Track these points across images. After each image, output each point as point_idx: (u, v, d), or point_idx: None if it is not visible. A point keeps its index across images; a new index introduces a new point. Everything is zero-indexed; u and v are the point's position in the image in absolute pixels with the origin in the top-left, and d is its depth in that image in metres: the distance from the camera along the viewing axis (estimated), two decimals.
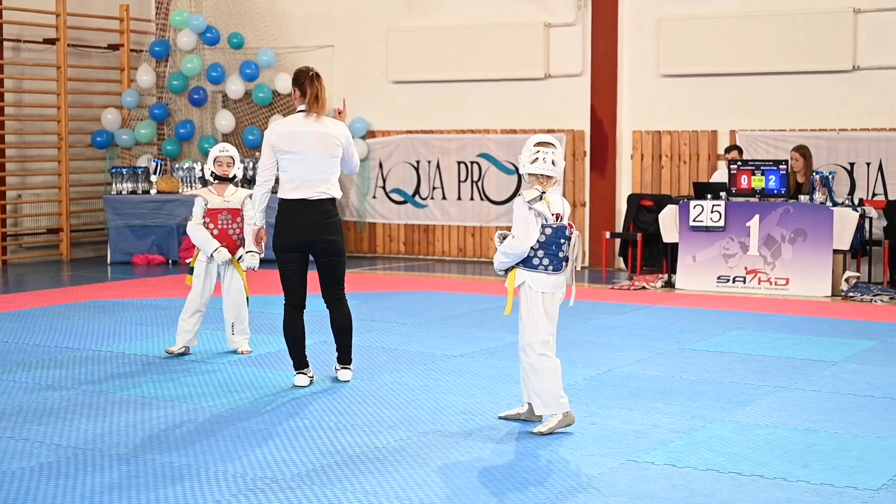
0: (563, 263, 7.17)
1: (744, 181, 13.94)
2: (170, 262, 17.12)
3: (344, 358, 8.67)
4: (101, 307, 12.52)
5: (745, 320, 11.64)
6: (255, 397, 8.12)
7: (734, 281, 13.82)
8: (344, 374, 8.64)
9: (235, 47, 18.40)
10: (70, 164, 18.14)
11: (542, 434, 7.09)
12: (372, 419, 7.48)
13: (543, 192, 7.09)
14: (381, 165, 18.20)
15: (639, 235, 15.50)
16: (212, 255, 9.58)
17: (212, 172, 9.72)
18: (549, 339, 7.21)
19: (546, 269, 7.13)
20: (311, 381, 8.53)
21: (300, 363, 8.52)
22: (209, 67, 18.37)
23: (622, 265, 16.28)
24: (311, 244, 8.28)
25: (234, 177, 9.77)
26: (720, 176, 15.00)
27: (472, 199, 17.57)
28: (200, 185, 17.17)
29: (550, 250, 7.11)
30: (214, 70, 18.30)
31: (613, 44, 16.48)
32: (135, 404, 7.92)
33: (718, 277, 13.90)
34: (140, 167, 17.79)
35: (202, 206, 9.66)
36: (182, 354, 9.70)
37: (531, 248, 7.11)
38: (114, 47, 18.82)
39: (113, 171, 17.74)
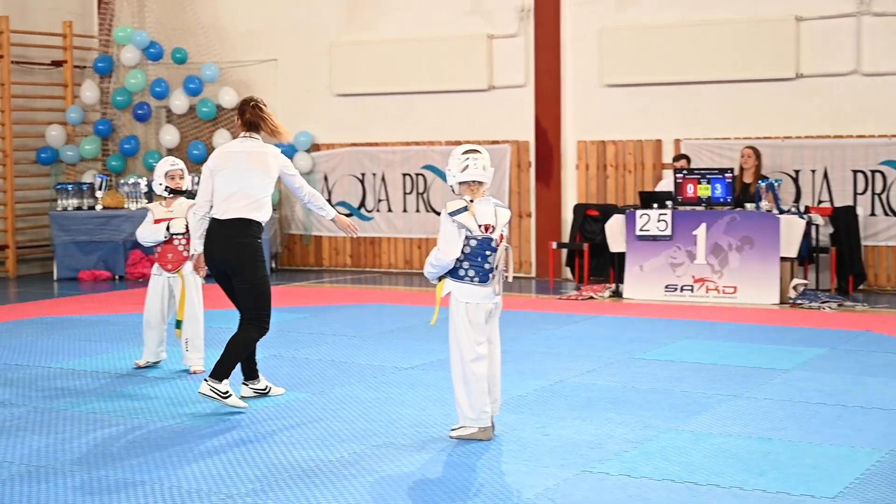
0: (490, 275, 7.20)
1: (690, 190, 14.01)
2: (116, 277, 16.98)
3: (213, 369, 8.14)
4: (48, 324, 12.40)
5: (694, 329, 11.70)
6: (207, 412, 8.05)
7: (682, 290, 13.89)
8: (202, 388, 8.09)
9: (179, 62, 18.30)
10: (15, 180, 17.97)
11: (452, 437, 7.26)
12: (325, 433, 7.45)
13: (471, 201, 7.17)
14: (326, 178, 18.16)
15: (585, 245, 15.55)
16: (169, 236, 9.59)
17: (166, 187, 9.70)
18: (477, 349, 7.20)
19: (472, 280, 7.19)
20: (260, 392, 8.57)
21: (247, 374, 8.56)
22: (153, 83, 18.26)
23: (569, 275, 16.33)
24: (217, 265, 8.21)
25: (186, 190, 9.81)
26: (666, 185, 15.08)
27: (417, 210, 17.57)
28: (147, 201, 17.10)
29: (476, 262, 7.18)
30: (158, 85, 18.19)
31: (556, 54, 16.55)
32: (86, 420, 7.84)
33: (666, 286, 13.96)
34: (85, 183, 17.65)
35: (151, 218, 9.73)
36: (150, 367, 9.76)
37: (457, 259, 7.17)
38: (57, 63, 18.66)
39: (58, 187, 17.59)
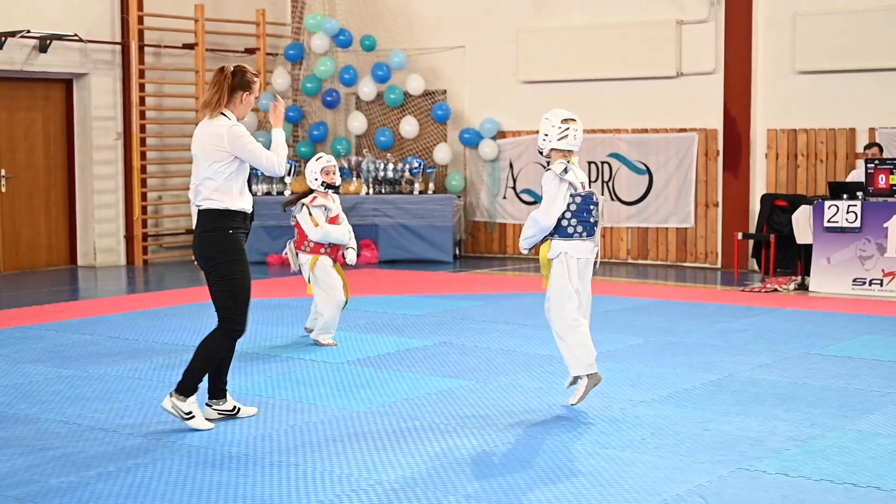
0: (595, 228, 7.61)
1: (881, 180, 13.52)
2: None
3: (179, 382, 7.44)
4: None
5: (879, 325, 11.27)
6: (368, 398, 8.11)
7: (871, 284, 13.41)
8: (165, 402, 7.41)
9: (367, 49, 18.51)
10: None
11: (575, 404, 7.60)
12: (482, 422, 7.42)
13: (569, 163, 7.52)
14: (511, 166, 18.12)
15: (772, 236, 15.13)
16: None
17: (322, 182, 10.15)
18: (577, 304, 7.63)
19: (581, 236, 7.60)
20: (227, 413, 7.60)
21: (212, 392, 7.62)
22: (342, 70, 18.52)
23: (755, 267, 15.94)
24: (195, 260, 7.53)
25: (338, 185, 10.28)
26: (857, 175, 14.56)
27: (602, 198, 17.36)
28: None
29: (582, 217, 7.58)
30: (347, 72, 18.44)
31: (748, 40, 16.16)
32: (251, 403, 7.95)
33: (854, 280, 13.50)
34: None
35: (324, 212, 10.18)
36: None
37: (565, 217, 7.49)
38: (250, 51, 19.07)
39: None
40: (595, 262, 7.75)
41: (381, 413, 7.69)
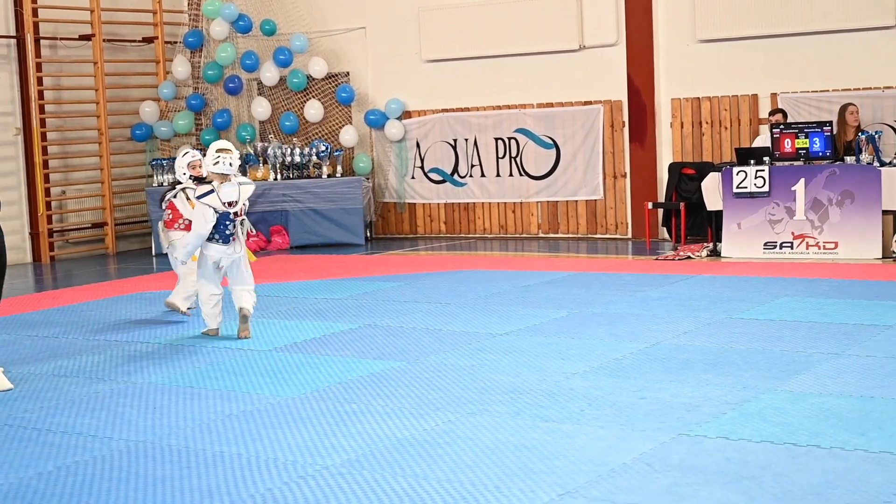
0: (231, 238, 9.60)
1: (787, 145, 13.76)
2: None
3: None
4: (146, 299, 12.54)
5: (794, 286, 11.47)
6: (301, 384, 8.07)
7: (781, 247, 13.65)
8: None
9: (268, 34, 18.37)
10: (111, 158, 18.20)
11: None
12: (419, 402, 7.41)
13: (216, 185, 9.43)
14: (418, 145, 18.12)
15: (682, 204, 15.33)
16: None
17: (190, 175, 10.72)
18: (213, 288, 9.83)
19: (217, 242, 9.64)
20: None
21: None
22: (243, 55, 18.37)
23: (666, 235, 16.14)
24: None
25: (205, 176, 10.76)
26: (763, 141, 14.81)
27: (511, 175, 17.46)
28: (242, 174, 17.29)
29: (219, 230, 9.61)
30: (248, 58, 18.29)
31: (648, 11, 16.32)
32: (183, 395, 7.89)
33: (765, 244, 13.73)
34: None
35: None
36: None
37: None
38: (148, 40, 18.84)
39: (153, 163, 17.80)
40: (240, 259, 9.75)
41: (317, 398, 7.64)
